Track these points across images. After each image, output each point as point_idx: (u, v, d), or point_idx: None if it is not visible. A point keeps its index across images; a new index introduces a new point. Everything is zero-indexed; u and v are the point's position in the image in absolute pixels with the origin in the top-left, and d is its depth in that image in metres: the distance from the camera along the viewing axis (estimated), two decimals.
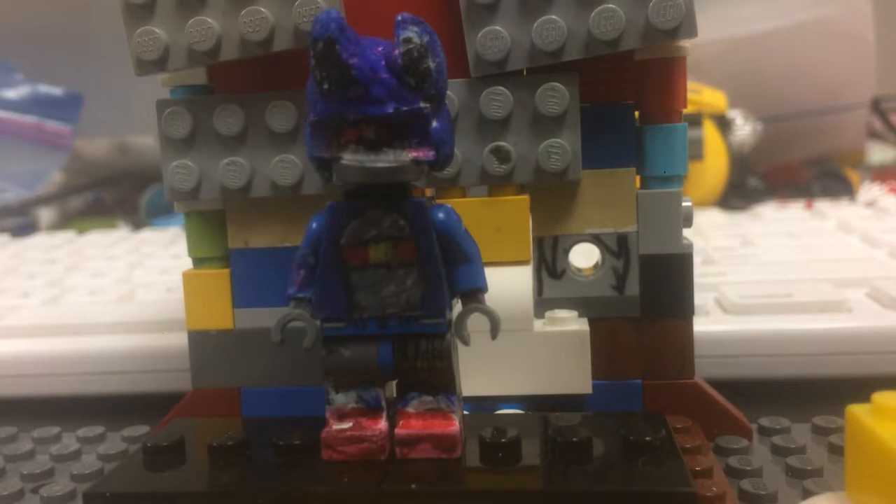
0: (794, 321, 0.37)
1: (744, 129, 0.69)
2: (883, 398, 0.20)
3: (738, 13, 0.78)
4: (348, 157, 0.23)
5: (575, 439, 0.23)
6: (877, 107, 0.83)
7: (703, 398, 0.30)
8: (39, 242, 0.67)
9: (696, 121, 0.63)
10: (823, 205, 0.66)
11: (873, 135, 0.86)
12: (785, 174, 0.75)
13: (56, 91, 0.80)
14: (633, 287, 0.30)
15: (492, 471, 0.23)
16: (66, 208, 0.87)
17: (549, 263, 0.30)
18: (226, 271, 0.31)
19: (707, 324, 0.36)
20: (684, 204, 0.30)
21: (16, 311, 0.44)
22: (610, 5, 0.27)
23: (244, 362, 0.31)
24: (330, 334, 0.24)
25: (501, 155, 0.29)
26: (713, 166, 0.66)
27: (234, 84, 0.30)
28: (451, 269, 0.24)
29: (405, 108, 0.23)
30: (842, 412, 0.21)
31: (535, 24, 0.27)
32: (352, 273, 0.24)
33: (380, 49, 0.22)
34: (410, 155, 0.23)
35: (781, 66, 0.77)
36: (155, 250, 0.61)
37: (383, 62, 0.22)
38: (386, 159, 0.23)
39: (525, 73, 0.29)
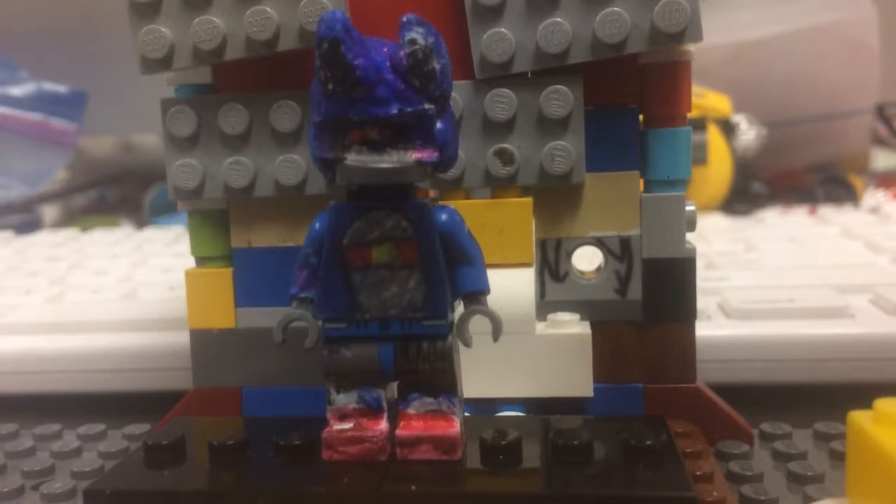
0: (796, 327, 0.37)
1: (748, 133, 0.69)
2: (885, 405, 0.20)
3: (744, 18, 0.78)
4: (352, 158, 0.23)
5: (576, 442, 0.23)
6: (881, 113, 0.83)
7: (705, 403, 0.30)
8: (43, 240, 0.67)
9: (700, 125, 0.63)
10: (827, 210, 0.66)
11: (877, 141, 0.86)
12: (789, 179, 0.75)
13: (61, 89, 0.80)
14: (635, 291, 0.30)
15: (492, 473, 0.23)
16: (70, 206, 0.87)
17: (552, 266, 0.30)
18: (228, 270, 0.31)
19: (709, 328, 0.36)
20: (687, 208, 0.30)
21: (18, 309, 0.44)
22: (615, 8, 0.27)
23: (246, 362, 0.31)
24: (331, 335, 0.24)
25: (505, 157, 0.29)
26: (717, 171, 0.66)
27: (239, 83, 0.30)
28: (453, 271, 0.24)
29: (409, 110, 0.23)
30: (843, 418, 0.21)
31: (541, 27, 0.27)
32: (354, 274, 0.24)
33: (385, 50, 0.22)
34: (414, 156, 0.23)
35: (786, 72, 0.77)
36: (158, 249, 0.61)
37: (388, 63, 0.22)
38: (390, 160, 0.23)
39: (530, 75, 0.29)
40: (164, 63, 0.28)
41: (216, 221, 0.31)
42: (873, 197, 0.72)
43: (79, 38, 0.88)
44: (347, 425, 0.24)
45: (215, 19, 0.27)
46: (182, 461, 0.25)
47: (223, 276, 0.31)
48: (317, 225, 0.24)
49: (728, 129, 0.68)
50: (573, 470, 0.23)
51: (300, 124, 0.29)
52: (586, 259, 0.31)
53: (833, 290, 0.40)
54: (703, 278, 0.42)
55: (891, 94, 0.82)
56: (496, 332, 0.24)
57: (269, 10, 0.27)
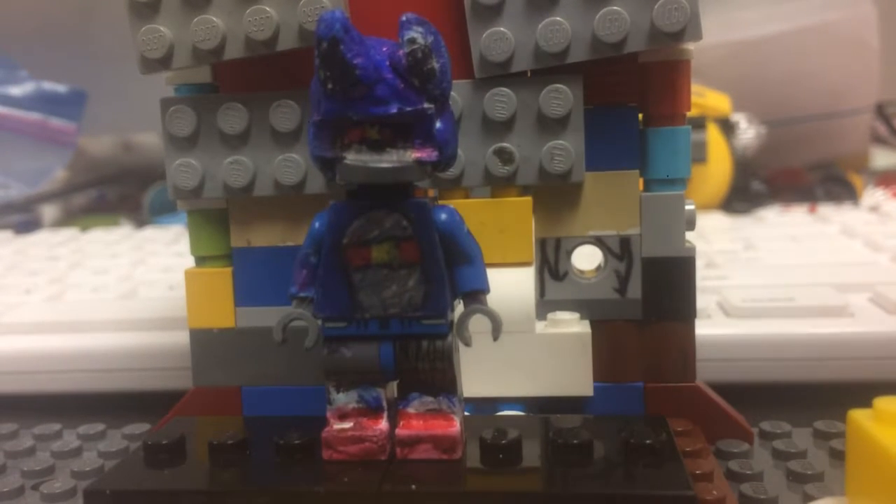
0: (796, 325, 0.36)
1: (747, 132, 0.69)
2: (884, 403, 0.20)
3: (743, 17, 0.78)
4: (351, 157, 0.23)
5: (575, 441, 0.23)
6: (881, 112, 0.83)
7: (705, 401, 0.30)
8: (42, 239, 0.67)
9: (699, 124, 0.63)
10: (827, 209, 0.66)
11: (877, 139, 0.86)
12: (788, 178, 0.75)
13: (60, 88, 0.80)
14: (635, 290, 0.30)
15: (492, 472, 0.23)
16: (70, 205, 0.87)
17: (552, 265, 0.30)
18: (228, 270, 0.31)
19: (709, 327, 0.36)
20: (687, 207, 0.30)
21: (18, 308, 0.44)
22: (615, 7, 0.27)
23: (245, 361, 0.31)
24: (331, 334, 0.24)
25: (505, 156, 0.29)
26: (716, 169, 0.66)
27: (239, 83, 0.30)
28: (453, 270, 0.24)
29: (409, 109, 0.23)
30: (843, 417, 0.21)
31: (540, 26, 0.27)
32: (354, 273, 0.24)
33: (384, 49, 0.22)
34: (414, 155, 0.23)
35: (786, 70, 0.77)
36: (157, 248, 0.61)
37: (388, 62, 0.22)
38: (389, 160, 0.23)
39: (529, 74, 0.29)
40: (164, 62, 0.28)
41: (216, 221, 0.31)
42: (873, 195, 0.72)
43: (78, 38, 0.88)
44: (347, 425, 0.24)
45: (215, 19, 0.27)
46: (182, 461, 0.25)
47: (223, 276, 0.31)
48: (316, 224, 0.24)
49: (728, 127, 0.68)
50: (573, 469, 0.23)
51: (300, 124, 0.29)
52: (586, 258, 0.31)
53: (833, 289, 0.40)
54: (703, 277, 0.42)
55: (891, 93, 0.82)
56: (496, 332, 0.24)
57: (268, 9, 0.27)
